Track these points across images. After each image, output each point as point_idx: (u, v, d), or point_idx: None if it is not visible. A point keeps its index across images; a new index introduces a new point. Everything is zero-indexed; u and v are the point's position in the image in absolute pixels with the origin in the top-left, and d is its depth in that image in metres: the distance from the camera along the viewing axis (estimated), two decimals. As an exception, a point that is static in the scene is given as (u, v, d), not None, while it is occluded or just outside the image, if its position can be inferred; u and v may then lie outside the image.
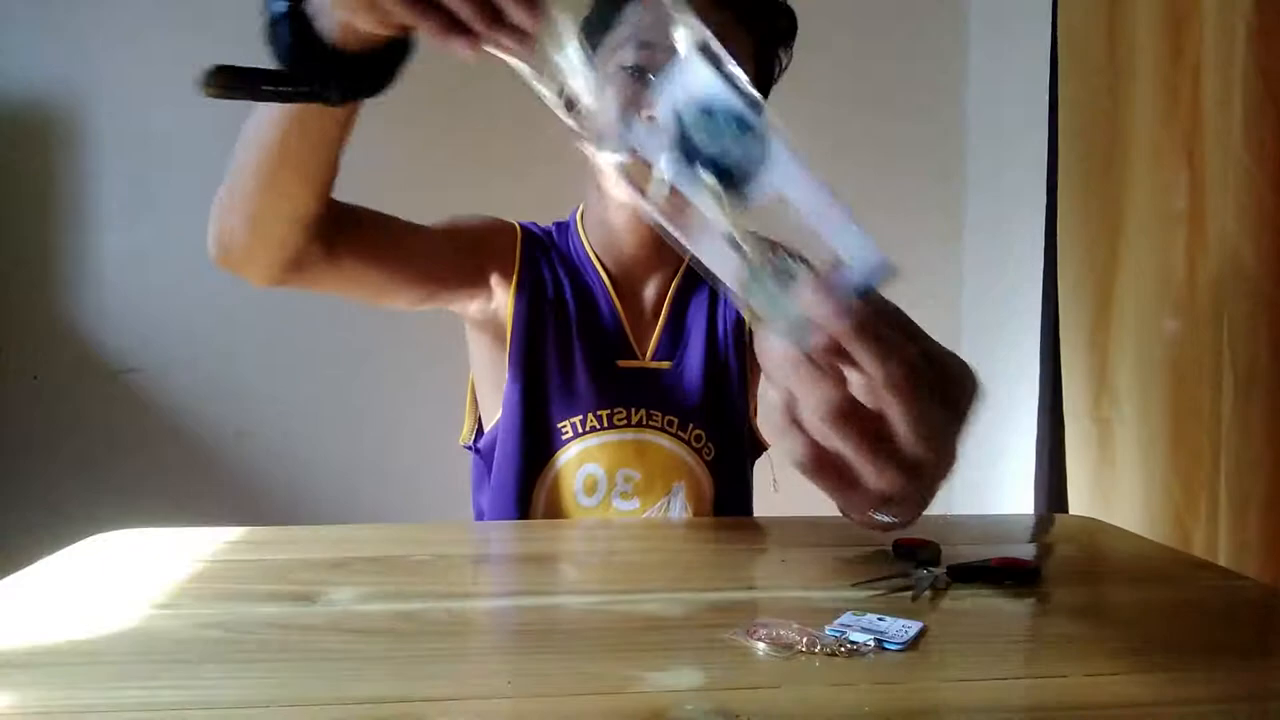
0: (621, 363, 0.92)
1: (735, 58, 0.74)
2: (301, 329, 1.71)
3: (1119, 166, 1.27)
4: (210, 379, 1.71)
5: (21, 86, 1.64)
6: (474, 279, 0.90)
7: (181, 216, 1.67)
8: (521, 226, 0.96)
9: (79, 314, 1.68)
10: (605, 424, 0.90)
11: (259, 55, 0.54)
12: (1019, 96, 1.53)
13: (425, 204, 0.87)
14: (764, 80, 0.90)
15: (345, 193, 0.73)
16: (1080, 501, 1.34)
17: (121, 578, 0.66)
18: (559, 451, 0.90)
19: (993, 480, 1.72)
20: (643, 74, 0.80)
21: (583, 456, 0.90)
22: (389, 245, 0.82)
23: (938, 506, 0.85)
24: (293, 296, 1.72)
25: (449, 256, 0.89)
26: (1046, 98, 1.49)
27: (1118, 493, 1.28)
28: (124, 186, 1.67)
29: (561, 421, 0.90)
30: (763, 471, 1.01)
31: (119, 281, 1.68)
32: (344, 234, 0.77)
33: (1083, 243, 1.35)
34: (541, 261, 0.93)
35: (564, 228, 0.98)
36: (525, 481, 0.90)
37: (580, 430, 0.90)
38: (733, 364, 0.95)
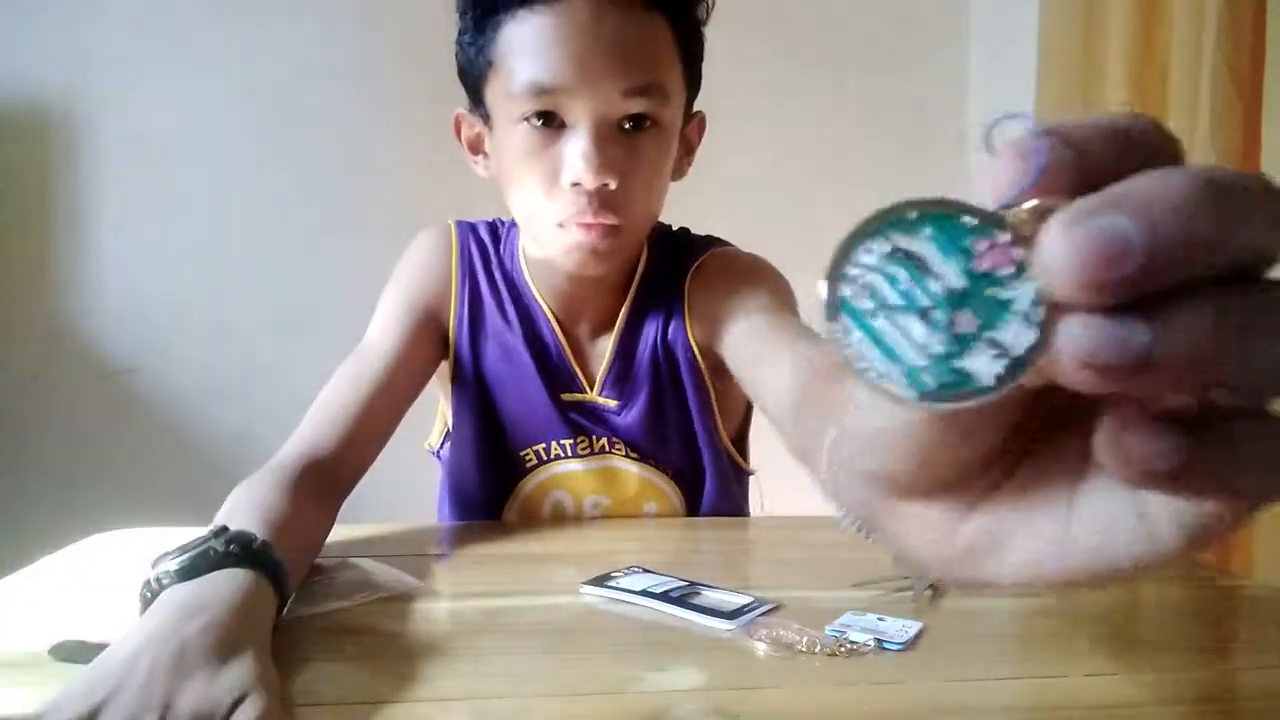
0: (566, 396, 0.87)
1: (662, 53, 0.76)
2: (301, 328, 1.71)
3: None
4: (210, 379, 1.71)
5: (21, 86, 1.64)
6: (436, 350, 0.88)
7: (181, 217, 1.67)
8: (457, 235, 0.89)
9: (78, 314, 1.68)
10: (569, 453, 0.88)
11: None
12: (1018, 94, 1.53)
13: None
14: (695, 54, 0.80)
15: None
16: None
17: (121, 578, 0.66)
18: (524, 479, 0.88)
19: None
20: (551, 120, 0.72)
21: (549, 483, 0.88)
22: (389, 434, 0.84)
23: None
24: (292, 298, 1.74)
25: (420, 377, 0.87)
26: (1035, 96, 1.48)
27: None
28: (124, 186, 1.67)
29: (525, 450, 0.88)
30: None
31: (119, 281, 1.68)
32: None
33: None
34: (481, 275, 0.88)
35: (509, 231, 0.91)
36: (492, 506, 0.89)
37: (544, 458, 0.88)
38: (690, 393, 0.87)
